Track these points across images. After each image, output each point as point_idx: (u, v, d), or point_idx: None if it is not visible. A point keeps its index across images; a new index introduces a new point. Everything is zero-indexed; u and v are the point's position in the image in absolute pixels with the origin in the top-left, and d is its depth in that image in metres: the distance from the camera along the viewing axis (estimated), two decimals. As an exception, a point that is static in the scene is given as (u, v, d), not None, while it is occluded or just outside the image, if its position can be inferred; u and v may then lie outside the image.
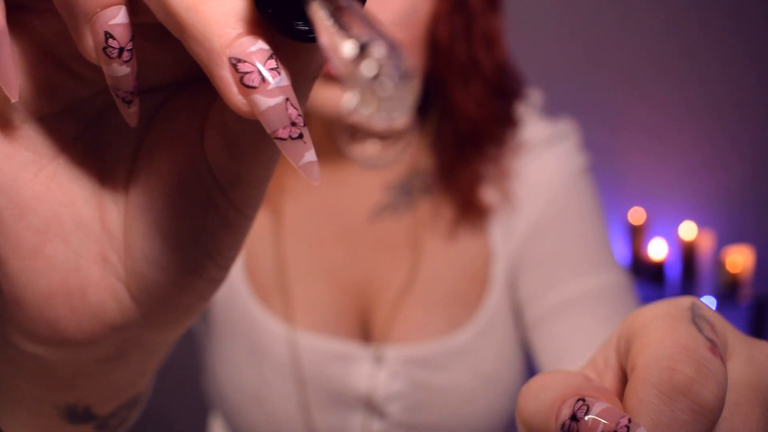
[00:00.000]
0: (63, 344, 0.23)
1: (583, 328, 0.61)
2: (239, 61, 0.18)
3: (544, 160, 0.67)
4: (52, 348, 0.24)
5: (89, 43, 0.19)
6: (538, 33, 1.69)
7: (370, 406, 0.66)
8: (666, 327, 0.22)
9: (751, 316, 1.66)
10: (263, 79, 0.18)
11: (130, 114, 0.21)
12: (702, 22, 1.74)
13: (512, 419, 0.71)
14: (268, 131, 0.18)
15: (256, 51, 0.18)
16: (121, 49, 0.19)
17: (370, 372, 0.65)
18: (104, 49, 0.19)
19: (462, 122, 0.64)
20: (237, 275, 0.68)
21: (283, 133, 0.18)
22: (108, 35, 0.19)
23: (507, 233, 0.67)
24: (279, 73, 0.18)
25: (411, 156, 0.69)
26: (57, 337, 0.23)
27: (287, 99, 0.18)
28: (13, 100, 0.20)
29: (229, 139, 0.21)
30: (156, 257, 0.23)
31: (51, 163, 0.23)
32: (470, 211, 0.66)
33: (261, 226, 0.69)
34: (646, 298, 1.60)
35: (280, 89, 0.18)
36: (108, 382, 0.28)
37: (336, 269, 0.68)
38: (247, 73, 0.18)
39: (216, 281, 0.24)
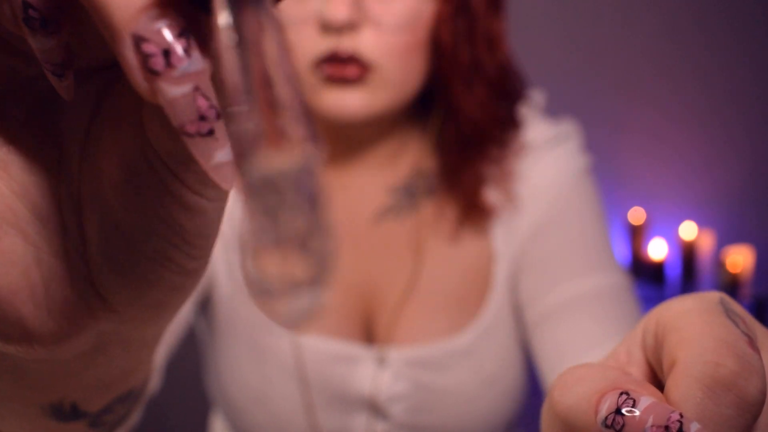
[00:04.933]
0: (32, 343, 0.22)
1: (583, 328, 0.61)
2: (142, 39, 0.15)
3: (547, 162, 0.67)
4: (21, 347, 0.22)
5: (7, 12, 0.17)
6: (539, 35, 1.69)
7: (374, 408, 0.66)
8: (702, 321, 0.21)
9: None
10: (168, 64, 0.15)
11: (63, 88, 0.19)
12: (702, 23, 1.74)
13: (513, 420, 0.71)
14: (174, 125, 0.16)
15: (161, 28, 0.15)
16: (44, 20, 0.17)
17: (373, 373, 0.66)
18: (24, 19, 0.17)
19: (465, 124, 0.65)
20: (241, 275, 0.68)
21: (191, 128, 0.16)
22: (27, 4, 0.17)
23: (509, 234, 0.67)
24: (189, 56, 0.15)
25: (414, 158, 0.69)
26: (25, 337, 0.21)
27: (197, 88, 0.15)
28: None
29: (164, 117, 0.18)
30: (114, 250, 0.21)
31: (0, 150, 0.21)
32: (473, 212, 0.66)
33: None
34: (646, 298, 1.60)
35: (188, 76, 0.15)
36: (91, 377, 0.26)
37: (339, 271, 0.68)
38: (150, 55, 0.15)
39: (190, 272, 0.22)
